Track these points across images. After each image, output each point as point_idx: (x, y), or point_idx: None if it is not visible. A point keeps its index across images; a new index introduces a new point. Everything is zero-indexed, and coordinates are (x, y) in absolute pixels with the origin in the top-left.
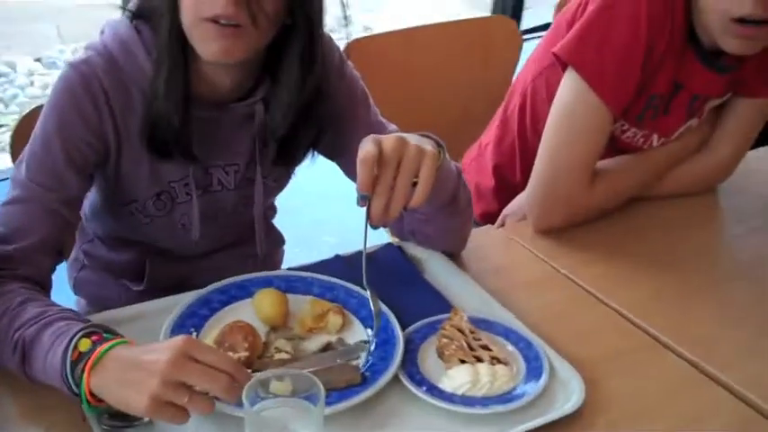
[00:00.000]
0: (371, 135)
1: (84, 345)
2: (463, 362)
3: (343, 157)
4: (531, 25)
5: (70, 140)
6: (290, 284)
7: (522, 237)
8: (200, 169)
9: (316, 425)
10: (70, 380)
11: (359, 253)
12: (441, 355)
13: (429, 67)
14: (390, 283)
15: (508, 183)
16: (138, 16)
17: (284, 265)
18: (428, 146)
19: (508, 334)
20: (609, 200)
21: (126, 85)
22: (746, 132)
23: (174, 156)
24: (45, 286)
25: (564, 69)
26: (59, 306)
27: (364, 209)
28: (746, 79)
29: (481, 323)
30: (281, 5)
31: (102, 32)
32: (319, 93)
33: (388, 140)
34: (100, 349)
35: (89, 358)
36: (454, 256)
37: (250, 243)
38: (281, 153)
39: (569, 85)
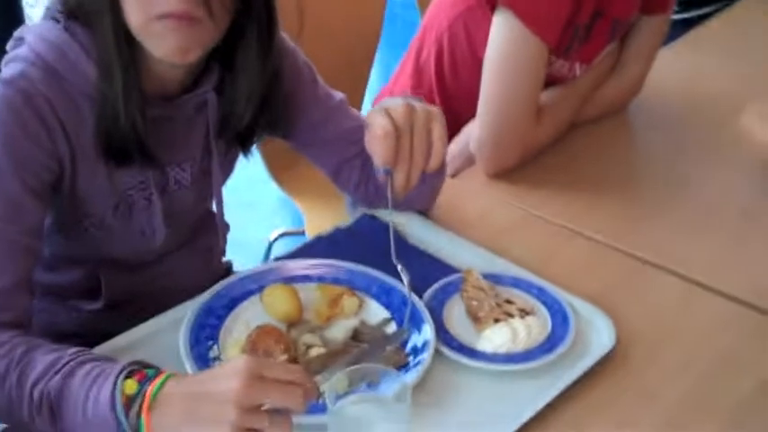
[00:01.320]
0: (378, 107)
1: (131, 387)
2: (496, 321)
3: (293, 134)
4: None
5: (24, 166)
6: (287, 275)
7: (476, 182)
8: (157, 171)
9: (403, 418)
10: (126, 428)
11: (338, 230)
12: (475, 318)
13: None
14: (380, 255)
15: None
16: (67, 17)
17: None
18: (431, 106)
19: (518, 283)
20: (554, 131)
21: (71, 95)
22: (652, 49)
23: (134, 161)
24: (28, 328)
25: (492, 11)
26: (68, 347)
27: (385, 183)
28: None
29: (490, 278)
30: None
31: (22, 39)
32: (274, 75)
33: (397, 109)
34: (151, 388)
35: (143, 400)
36: (426, 213)
37: (204, 237)
38: (239, 140)
39: (503, 25)
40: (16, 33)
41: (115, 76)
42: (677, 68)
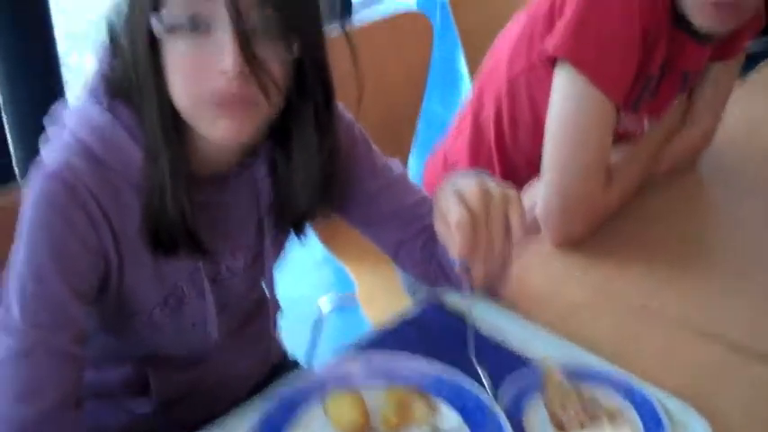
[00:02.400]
0: (448, 188)
1: None
2: (582, 426)
3: (349, 210)
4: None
5: (69, 267)
6: (351, 380)
7: (542, 253)
8: (207, 260)
9: None
10: None
11: (404, 322)
12: (559, 426)
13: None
14: (450, 348)
15: None
16: (111, 96)
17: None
18: (507, 188)
19: (601, 377)
20: (624, 195)
21: (114, 184)
22: (724, 97)
23: (181, 251)
24: None
25: (553, 67)
26: None
27: (462, 275)
28: (722, 45)
29: (570, 374)
30: (290, 69)
31: (62, 122)
32: (332, 154)
33: (471, 193)
34: None
35: None
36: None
37: (256, 321)
38: (293, 224)
39: (567, 82)
40: (54, 112)
41: (162, 160)
42: (749, 109)
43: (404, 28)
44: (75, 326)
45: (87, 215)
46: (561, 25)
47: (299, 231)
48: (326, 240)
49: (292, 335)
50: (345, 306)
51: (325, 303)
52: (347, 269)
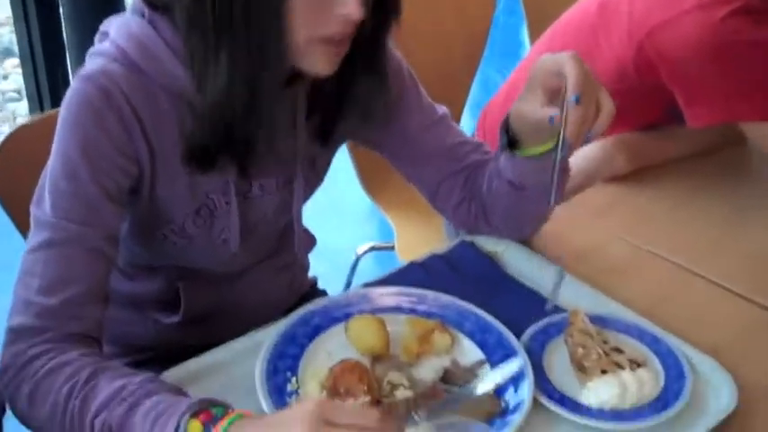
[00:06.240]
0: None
1: (196, 429)
2: (604, 372)
3: (390, 143)
4: None
5: (99, 166)
6: (375, 306)
7: (586, 212)
8: (240, 175)
9: None
10: None
11: (434, 257)
12: (579, 367)
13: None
14: (475, 287)
15: None
16: (153, 8)
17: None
18: None
19: (629, 330)
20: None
21: (153, 92)
22: None
23: (217, 168)
24: (99, 340)
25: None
26: (136, 373)
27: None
28: None
29: (598, 321)
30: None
31: (106, 33)
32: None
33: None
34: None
35: None
36: (528, 243)
37: (285, 250)
38: (324, 129)
39: None
40: (102, 27)
41: (263, 98)
42: None
43: None
44: (106, 225)
45: (120, 118)
46: (693, 94)
47: (329, 138)
48: (373, 192)
49: (330, 281)
50: (383, 253)
51: (363, 248)
52: (390, 220)
